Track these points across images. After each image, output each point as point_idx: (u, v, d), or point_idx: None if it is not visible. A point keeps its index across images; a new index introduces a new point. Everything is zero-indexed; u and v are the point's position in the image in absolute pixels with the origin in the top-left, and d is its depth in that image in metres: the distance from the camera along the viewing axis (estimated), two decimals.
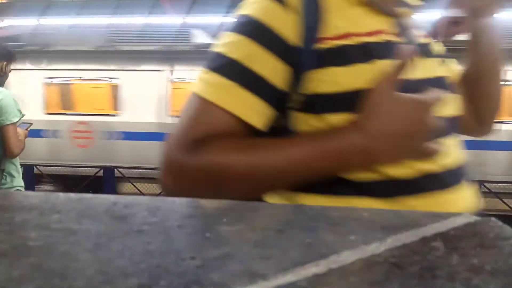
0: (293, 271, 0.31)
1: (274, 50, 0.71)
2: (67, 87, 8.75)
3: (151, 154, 7.42)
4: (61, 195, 0.49)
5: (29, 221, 0.42)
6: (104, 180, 7.85)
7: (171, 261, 0.33)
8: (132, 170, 7.81)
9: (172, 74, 8.15)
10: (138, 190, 7.44)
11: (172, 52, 8.36)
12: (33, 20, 9.64)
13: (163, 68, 8.20)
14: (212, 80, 0.71)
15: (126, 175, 7.75)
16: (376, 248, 0.36)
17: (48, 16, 9.64)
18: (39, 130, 7.74)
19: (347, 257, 0.34)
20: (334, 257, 0.34)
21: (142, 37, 9.05)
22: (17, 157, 3.12)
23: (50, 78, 8.51)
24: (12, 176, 3.13)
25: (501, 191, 6.88)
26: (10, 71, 3.20)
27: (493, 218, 0.43)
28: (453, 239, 0.38)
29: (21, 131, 3.12)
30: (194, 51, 8.02)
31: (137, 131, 8.09)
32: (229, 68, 0.71)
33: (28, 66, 8.15)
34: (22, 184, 3.20)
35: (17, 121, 3.05)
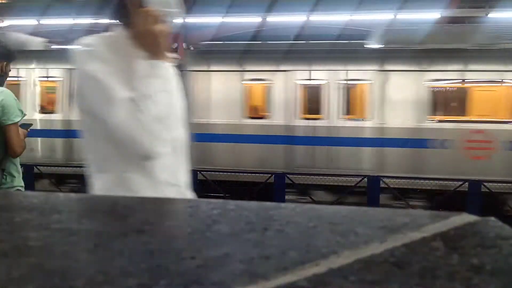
0: (293, 271, 0.31)
1: None
2: (455, 89, 7.58)
3: None
4: (61, 195, 0.49)
5: (29, 221, 0.42)
6: None
7: (171, 261, 0.33)
8: None
9: None
10: None
11: None
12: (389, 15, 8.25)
13: None
14: None
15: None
16: (376, 248, 0.36)
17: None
18: (424, 140, 7.04)
19: (347, 257, 0.34)
20: (334, 257, 0.34)
21: None
22: (18, 157, 3.12)
23: (433, 80, 7.29)
24: (12, 176, 3.13)
25: None
26: (10, 71, 3.20)
27: (493, 218, 0.43)
28: (453, 239, 0.38)
29: (21, 131, 3.12)
30: None
31: None
32: None
33: (406, 67, 7.18)
34: (22, 184, 3.20)
35: (19, 121, 3.05)
